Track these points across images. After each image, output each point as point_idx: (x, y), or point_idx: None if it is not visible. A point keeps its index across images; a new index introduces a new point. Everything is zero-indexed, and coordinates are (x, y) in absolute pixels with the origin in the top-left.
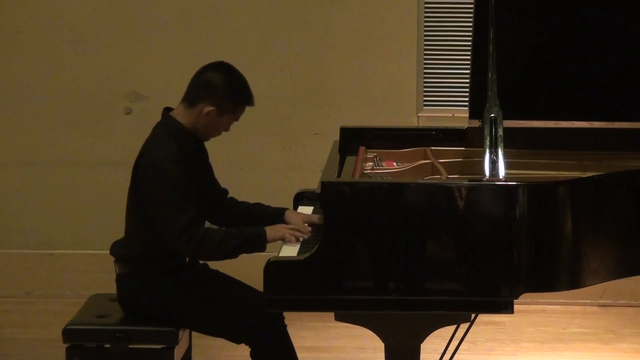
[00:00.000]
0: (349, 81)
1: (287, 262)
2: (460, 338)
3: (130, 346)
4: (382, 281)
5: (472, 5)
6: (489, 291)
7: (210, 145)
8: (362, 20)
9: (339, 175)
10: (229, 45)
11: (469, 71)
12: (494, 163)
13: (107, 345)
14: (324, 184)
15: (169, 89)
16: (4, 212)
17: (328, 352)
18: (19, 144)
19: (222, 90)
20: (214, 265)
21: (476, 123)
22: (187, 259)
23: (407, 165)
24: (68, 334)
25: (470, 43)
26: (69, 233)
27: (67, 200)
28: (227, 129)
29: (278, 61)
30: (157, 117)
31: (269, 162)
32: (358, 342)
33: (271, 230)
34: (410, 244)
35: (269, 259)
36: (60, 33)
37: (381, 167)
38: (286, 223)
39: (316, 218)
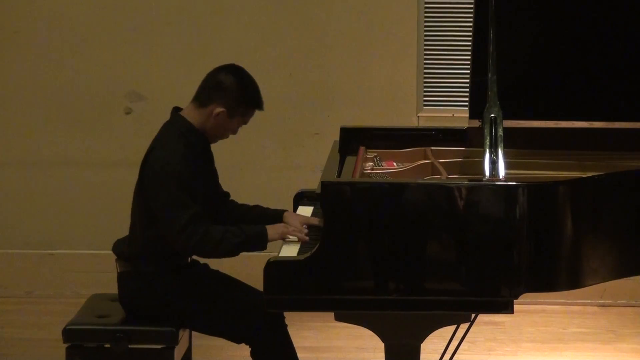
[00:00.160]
0: (349, 81)
1: (287, 262)
2: (460, 338)
3: (130, 346)
4: (382, 281)
5: (472, 5)
6: (489, 291)
7: (211, 145)
8: (362, 20)
9: (339, 175)
10: (229, 45)
11: (469, 71)
12: (494, 163)
13: (107, 345)
14: (324, 184)
15: (169, 89)
16: (4, 212)
17: (328, 352)
18: (19, 144)
19: (234, 92)
20: (214, 265)
21: (476, 123)
22: (188, 259)
23: (407, 165)
24: (68, 334)
25: (470, 43)
26: (69, 233)
27: (67, 200)
28: (234, 132)
29: (278, 61)
30: (157, 117)
31: (269, 162)
32: (358, 342)
33: (272, 230)
34: (410, 244)
35: (269, 259)
36: (60, 33)
37: (381, 167)
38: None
39: (315, 220)
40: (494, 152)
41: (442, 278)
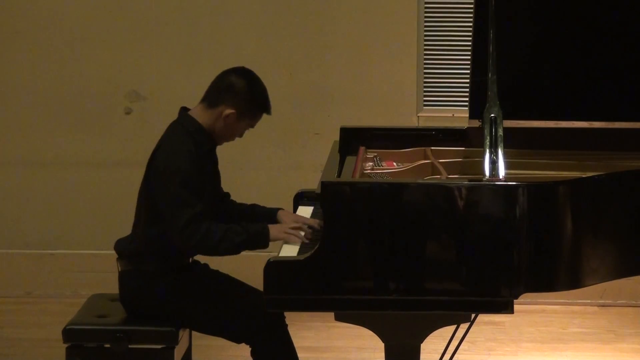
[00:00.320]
0: (349, 81)
1: (287, 262)
2: (460, 338)
3: (130, 346)
4: (382, 281)
5: (472, 5)
6: (489, 291)
7: None
8: (362, 20)
9: (339, 175)
10: (230, 45)
11: (469, 71)
12: (494, 163)
13: (107, 345)
14: (324, 184)
15: (169, 89)
16: (4, 212)
17: (328, 352)
18: (19, 144)
19: (245, 95)
20: (214, 265)
21: (476, 123)
22: (190, 259)
23: (407, 165)
24: (68, 334)
25: (470, 43)
26: (69, 233)
27: (67, 200)
28: (241, 135)
29: (278, 61)
30: (157, 117)
31: (269, 162)
32: (358, 342)
33: (274, 228)
34: (410, 244)
35: (269, 259)
36: (60, 33)
37: (381, 167)
38: (280, 223)
39: (310, 221)
40: (494, 152)
41: (442, 278)
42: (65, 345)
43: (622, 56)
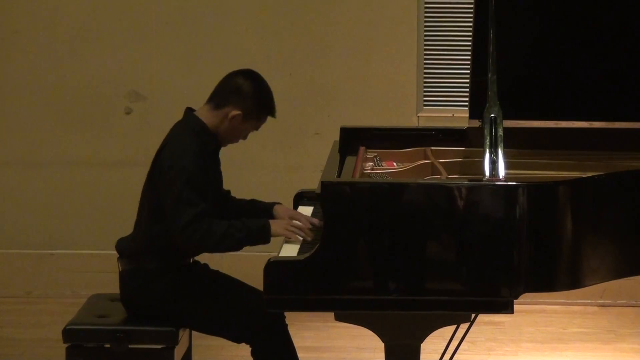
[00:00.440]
0: (349, 81)
1: (287, 262)
2: (460, 338)
3: (130, 346)
4: (382, 281)
5: (472, 5)
6: (489, 291)
7: None
8: (362, 20)
9: (339, 175)
10: (230, 45)
11: (469, 71)
12: (494, 163)
13: (107, 345)
14: (324, 184)
15: (169, 89)
16: (4, 212)
17: (328, 352)
18: (19, 144)
19: (251, 97)
20: (214, 265)
21: (476, 123)
22: (191, 259)
23: (407, 165)
24: (68, 334)
25: (470, 43)
26: (69, 233)
27: (67, 200)
28: (245, 137)
29: (278, 61)
30: (157, 117)
31: (269, 162)
32: (358, 342)
33: (275, 224)
34: (410, 244)
35: (269, 259)
36: (60, 33)
37: (381, 167)
38: (275, 218)
39: (307, 216)
40: (494, 152)
41: (442, 278)
42: (65, 345)
43: (622, 56)
